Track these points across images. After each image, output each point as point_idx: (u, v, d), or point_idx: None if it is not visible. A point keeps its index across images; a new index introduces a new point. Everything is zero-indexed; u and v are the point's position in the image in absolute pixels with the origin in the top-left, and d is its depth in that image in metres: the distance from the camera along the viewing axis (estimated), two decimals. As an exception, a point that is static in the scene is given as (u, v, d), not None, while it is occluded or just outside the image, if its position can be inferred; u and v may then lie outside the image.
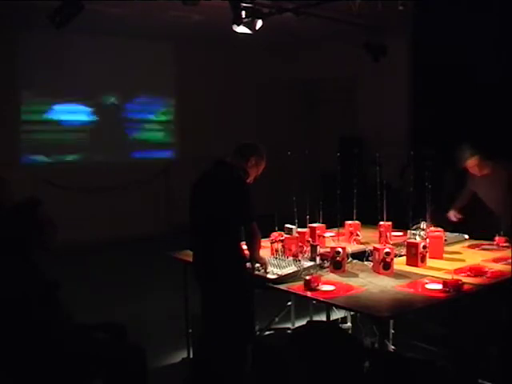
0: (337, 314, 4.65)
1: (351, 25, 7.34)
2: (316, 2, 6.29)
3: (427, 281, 3.39)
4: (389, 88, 8.72)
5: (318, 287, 3.28)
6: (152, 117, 9.87)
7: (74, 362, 2.89)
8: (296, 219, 4.16)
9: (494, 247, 4.25)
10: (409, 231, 4.15)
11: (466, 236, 4.61)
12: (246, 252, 3.59)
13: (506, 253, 3.98)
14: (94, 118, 9.26)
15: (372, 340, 3.87)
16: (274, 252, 3.95)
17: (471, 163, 4.86)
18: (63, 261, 5.43)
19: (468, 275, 3.50)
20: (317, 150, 8.95)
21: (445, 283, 3.21)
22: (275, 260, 3.72)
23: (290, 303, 4.71)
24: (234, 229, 3.52)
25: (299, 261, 3.68)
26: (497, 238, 4.29)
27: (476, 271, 3.54)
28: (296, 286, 3.37)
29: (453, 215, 5.06)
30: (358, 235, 4.42)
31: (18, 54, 8.32)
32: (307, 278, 3.30)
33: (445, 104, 7.51)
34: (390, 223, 4.29)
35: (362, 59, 7.70)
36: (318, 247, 3.81)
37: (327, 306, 4.12)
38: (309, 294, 3.26)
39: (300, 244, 3.97)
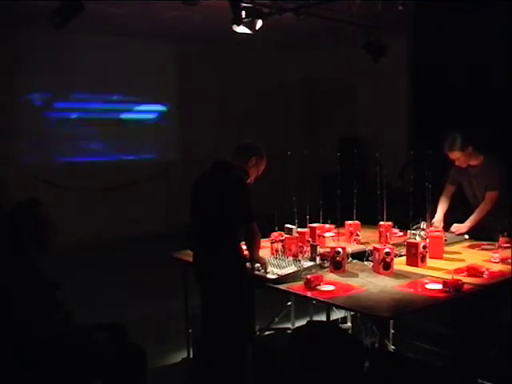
0: (337, 314, 4.66)
1: (351, 25, 7.33)
2: (316, 1, 6.28)
3: (427, 281, 3.39)
4: (389, 88, 8.72)
5: (318, 287, 3.29)
6: (152, 117, 9.87)
7: (74, 362, 2.89)
8: (296, 219, 4.16)
9: (494, 247, 4.24)
10: (409, 231, 4.15)
11: (466, 236, 4.61)
12: (246, 252, 3.59)
13: (505, 253, 3.98)
14: (93, 117, 9.27)
15: (372, 340, 3.87)
16: (274, 252, 3.95)
17: (462, 153, 4.53)
18: (63, 261, 5.43)
19: (467, 275, 3.50)
20: (317, 149, 8.91)
21: (445, 283, 3.21)
22: (275, 260, 3.72)
23: (290, 303, 4.71)
24: (233, 229, 3.52)
25: (299, 261, 3.69)
26: (500, 238, 4.26)
27: (473, 271, 3.53)
28: (296, 286, 3.37)
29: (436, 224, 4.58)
30: (358, 235, 4.43)
31: (18, 54, 8.31)
32: (307, 277, 3.30)
33: (445, 104, 7.50)
34: (390, 223, 4.30)
35: (362, 59, 7.70)
36: (318, 247, 3.81)
37: (327, 306, 4.13)
38: (309, 294, 3.27)
39: (300, 244, 3.97)
